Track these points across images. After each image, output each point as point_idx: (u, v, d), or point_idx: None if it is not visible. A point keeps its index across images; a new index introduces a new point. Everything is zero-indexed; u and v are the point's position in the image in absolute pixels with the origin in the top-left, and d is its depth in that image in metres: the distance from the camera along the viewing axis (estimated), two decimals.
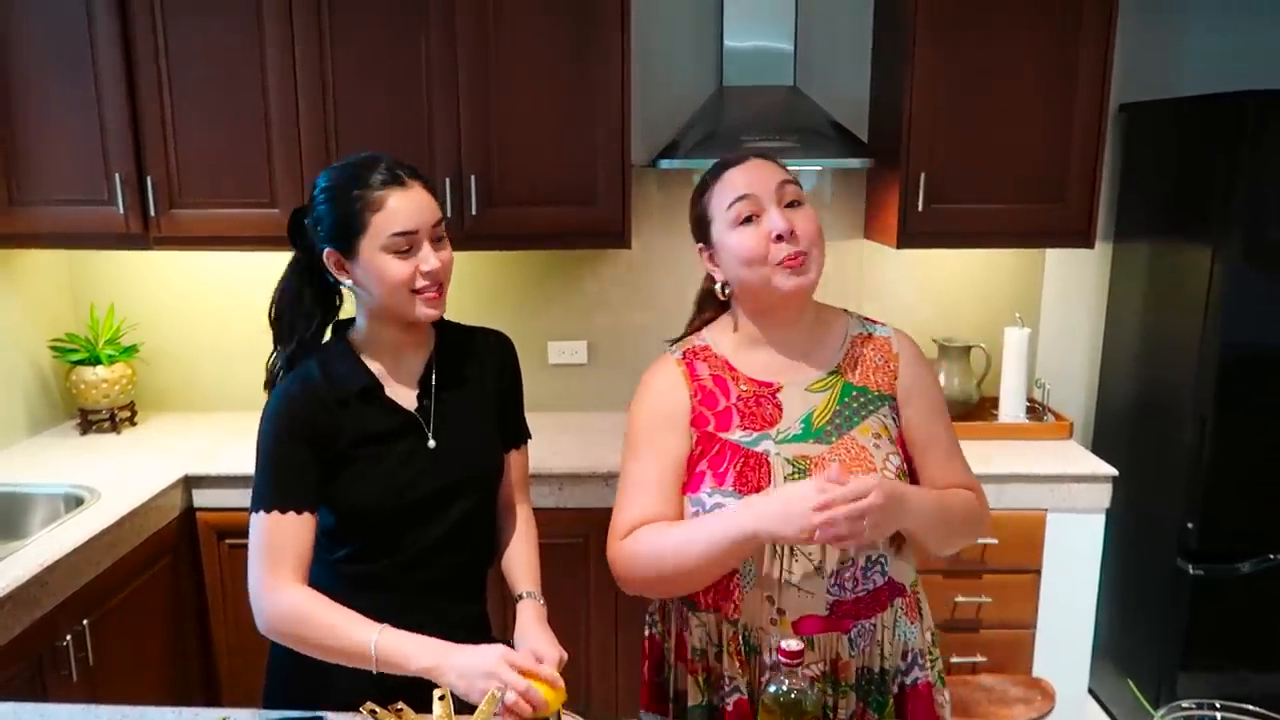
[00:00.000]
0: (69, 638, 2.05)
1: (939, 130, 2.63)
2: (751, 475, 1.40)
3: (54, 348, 2.89)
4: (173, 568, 2.49)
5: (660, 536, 1.39)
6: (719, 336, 1.52)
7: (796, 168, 2.86)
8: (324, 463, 1.41)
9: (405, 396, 1.49)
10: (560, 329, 3.14)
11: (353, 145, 2.58)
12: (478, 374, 1.56)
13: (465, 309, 3.11)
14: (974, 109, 2.62)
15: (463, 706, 1.28)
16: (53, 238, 2.69)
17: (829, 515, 1.23)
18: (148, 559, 2.36)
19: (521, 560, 1.57)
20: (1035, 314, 3.11)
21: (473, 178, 2.63)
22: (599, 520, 2.72)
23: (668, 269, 3.09)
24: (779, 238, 1.39)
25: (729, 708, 1.48)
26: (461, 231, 2.68)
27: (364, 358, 1.47)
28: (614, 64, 2.60)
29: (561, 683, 1.32)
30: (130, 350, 2.96)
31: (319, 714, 1.41)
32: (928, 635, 1.51)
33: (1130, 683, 2.85)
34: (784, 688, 1.20)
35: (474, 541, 1.54)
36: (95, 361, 2.88)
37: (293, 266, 1.49)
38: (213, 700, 2.62)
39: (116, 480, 2.47)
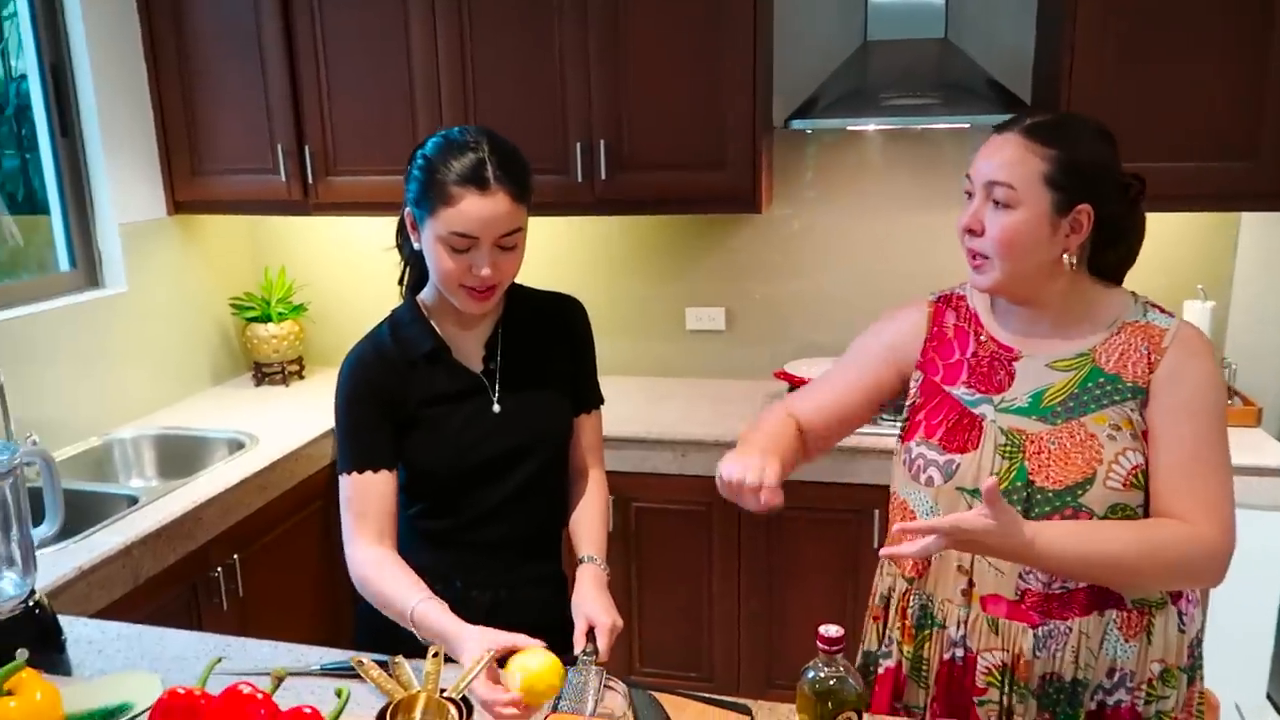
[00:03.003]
0: (220, 570, 2.26)
1: (1106, 81, 2.38)
2: (961, 436, 1.36)
3: (233, 305, 3.17)
4: (323, 511, 2.68)
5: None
6: (977, 294, 1.47)
7: (942, 124, 2.68)
8: (396, 422, 1.47)
9: (472, 359, 1.52)
10: (699, 294, 3.11)
11: (489, 114, 2.65)
12: (547, 339, 1.57)
13: (599, 273, 3.20)
14: (1148, 54, 2.35)
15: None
16: (228, 204, 2.95)
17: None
18: (298, 503, 2.55)
19: (587, 524, 1.57)
20: (1223, 286, 2.78)
21: (602, 143, 2.64)
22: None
23: (814, 235, 2.99)
24: (969, 231, 1.35)
25: (879, 671, 1.44)
26: (592, 196, 2.70)
27: (433, 320, 1.51)
28: (744, 25, 2.52)
29: (544, 666, 1.25)
30: (299, 309, 3.20)
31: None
32: (1154, 667, 1.34)
33: None
34: (821, 674, 1.14)
35: (540, 504, 1.56)
36: (267, 319, 3.13)
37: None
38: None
39: (276, 428, 2.69)
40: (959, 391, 1.40)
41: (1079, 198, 1.30)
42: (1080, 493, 1.29)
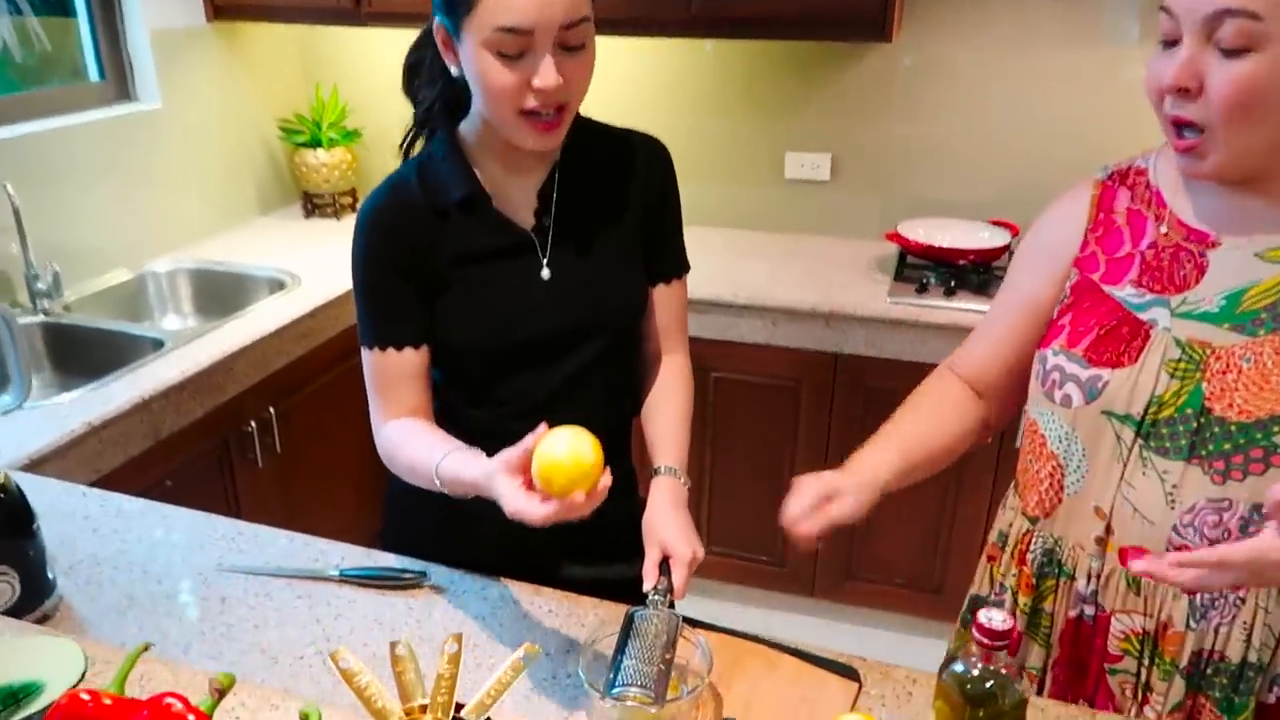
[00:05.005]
0: (254, 424, 2.04)
1: None
2: (1116, 346, 1.04)
3: (281, 128, 2.85)
4: None
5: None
6: (1164, 164, 1.09)
7: None
8: (423, 288, 1.16)
9: (520, 211, 1.18)
10: (801, 139, 2.69)
11: None
12: (618, 188, 1.22)
13: (683, 107, 2.78)
14: None
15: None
16: (272, 10, 2.60)
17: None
18: (342, 353, 2.31)
19: (664, 425, 1.26)
20: None
21: None
22: (814, 364, 2.42)
23: (939, 74, 2.51)
24: (1179, 91, 0.95)
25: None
26: (686, 13, 2.27)
27: (473, 161, 1.17)
28: None
29: (587, 455, 0.97)
30: (352, 135, 2.88)
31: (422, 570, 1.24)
32: None
33: None
34: (974, 673, 0.85)
35: (603, 395, 1.25)
36: (317, 144, 2.82)
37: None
38: None
39: (323, 267, 2.42)
40: (1124, 293, 1.06)
41: None
42: (1277, 429, 0.96)
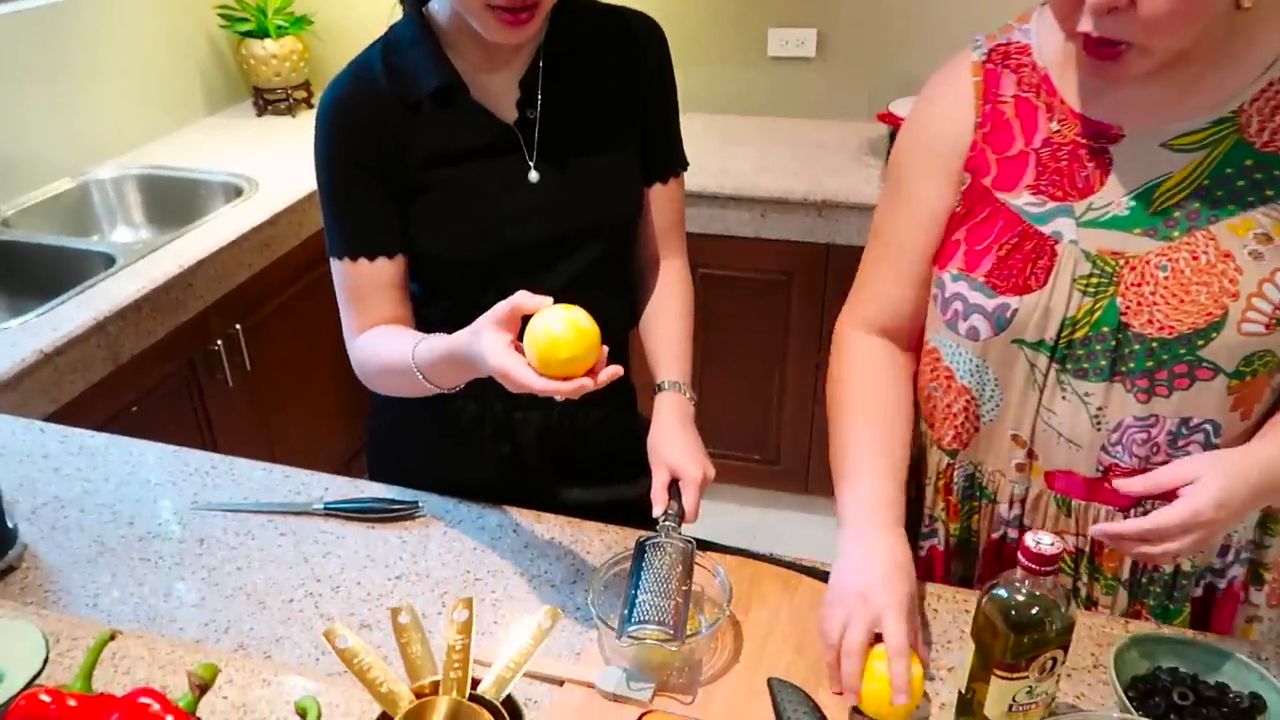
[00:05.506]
0: (220, 342, 1.93)
1: None
2: (1021, 270, 0.93)
3: (221, 14, 2.63)
4: None
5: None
6: (1048, 36, 0.94)
7: None
8: (395, 190, 1.05)
9: (501, 102, 1.06)
10: (784, 13, 2.52)
11: None
12: (611, 75, 1.09)
13: None
14: None
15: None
16: None
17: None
18: (308, 262, 2.18)
19: (665, 336, 1.17)
20: None
21: None
22: (806, 256, 2.32)
23: None
24: (1110, 10, 0.79)
25: (922, 553, 1.11)
26: None
27: (446, 46, 1.04)
28: None
29: (587, 326, 0.87)
30: (301, 22, 2.66)
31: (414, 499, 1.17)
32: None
33: None
34: (1020, 598, 0.79)
35: (598, 308, 1.14)
36: (264, 34, 2.61)
37: None
38: None
39: (281, 170, 2.26)
40: (1021, 201, 0.94)
41: None
42: (1202, 342, 0.88)
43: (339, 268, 1.09)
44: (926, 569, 1.13)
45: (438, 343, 0.97)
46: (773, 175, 2.22)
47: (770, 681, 0.88)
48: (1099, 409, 0.94)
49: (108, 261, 1.85)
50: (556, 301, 1.07)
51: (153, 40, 2.46)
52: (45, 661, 0.72)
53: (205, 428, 1.94)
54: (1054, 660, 0.80)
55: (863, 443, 1.01)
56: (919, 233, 1.01)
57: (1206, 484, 0.84)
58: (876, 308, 1.08)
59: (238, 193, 2.18)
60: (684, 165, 1.19)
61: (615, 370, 0.87)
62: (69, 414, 1.60)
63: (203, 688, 0.62)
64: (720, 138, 2.48)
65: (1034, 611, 0.79)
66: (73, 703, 0.57)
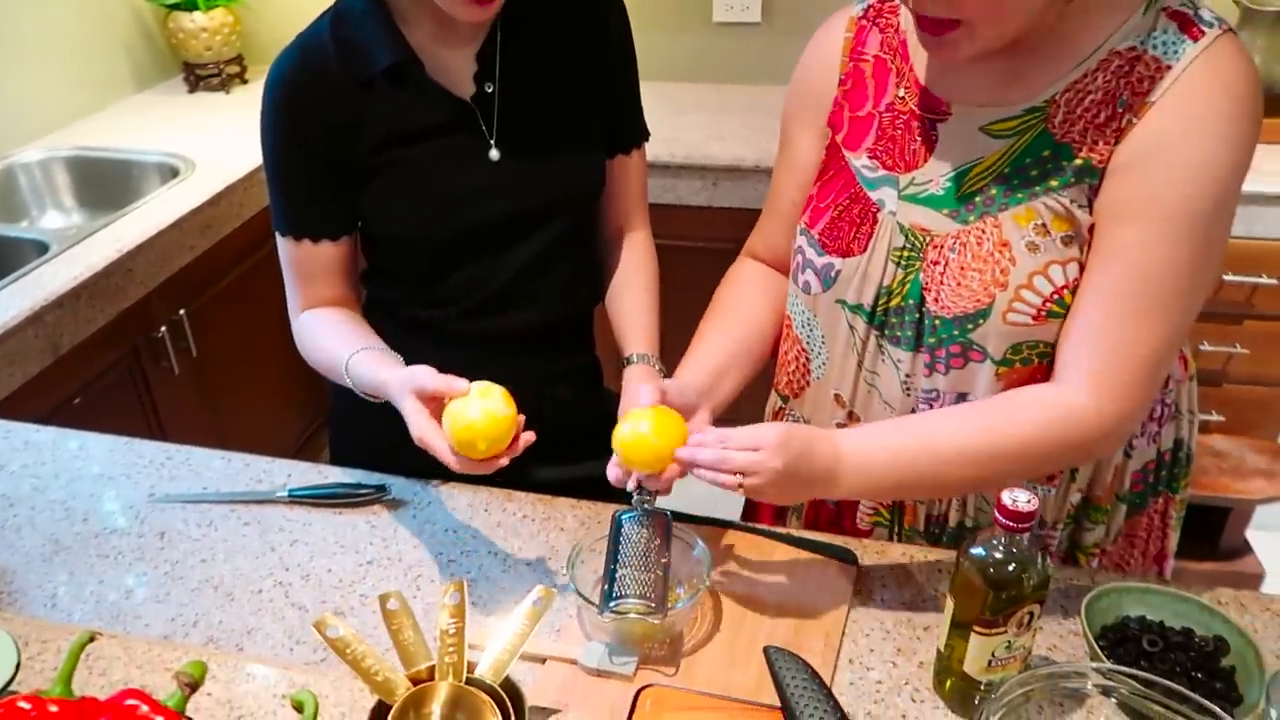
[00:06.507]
0: (164, 328, 1.87)
1: None
2: (846, 233, 0.97)
3: None
4: None
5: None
6: None
7: None
8: (345, 171, 1.02)
9: (458, 77, 1.03)
10: None
11: None
12: (572, 44, 1.07)
13: None
14: None
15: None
16: None
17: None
18: (250, 244, 2.12)
19: (632, 309, 1.16)
20: None
21: None
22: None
23: None
24: None
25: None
26: None
27: (399, 18, 1.00)
28: None
29: (499, 411, 0.87)
30: None
31: (384, 481, 1.15)
32: (1074, 498, 1.03)
33: None
34: (997, 555, 0.81)
35: (561, 282, 1.13)
36: (193, 6, 2.51)
37: None
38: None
39: (217, 148, 2.18)
40: (860, 162, 0.98)
41: None
42: (971, 326, 0.92)
43: (283, 244, 1.08)
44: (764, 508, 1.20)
45: (367, 370, 0.98)
46: (723, 143, 2.21)
47: (767, 650, 0.89)
48: (907, 375, 0.99)
49: (40, 248, 1.78)
50: (521, 285, 1.04)
51: (74, 14, 2.35)
52: (18, 667, 0.69)
53: (153, 417, 1.89)
54: (1031, 614, 0.82)
55: (699, 334, 1.09)
56: (792, 182, 1.06)
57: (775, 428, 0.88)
58: (764, 244, 1.15)
59: (174, 173, 2.10)
60: (646, 135, 1.18)
61: (529, 438, 0.89)
62: (8, 408, 1.54)
63: (193, 686, 0.60)
64: (669, 106, 2.45)
65: (1011, 568, 0.80)
66: (54, 709, 0.55)
